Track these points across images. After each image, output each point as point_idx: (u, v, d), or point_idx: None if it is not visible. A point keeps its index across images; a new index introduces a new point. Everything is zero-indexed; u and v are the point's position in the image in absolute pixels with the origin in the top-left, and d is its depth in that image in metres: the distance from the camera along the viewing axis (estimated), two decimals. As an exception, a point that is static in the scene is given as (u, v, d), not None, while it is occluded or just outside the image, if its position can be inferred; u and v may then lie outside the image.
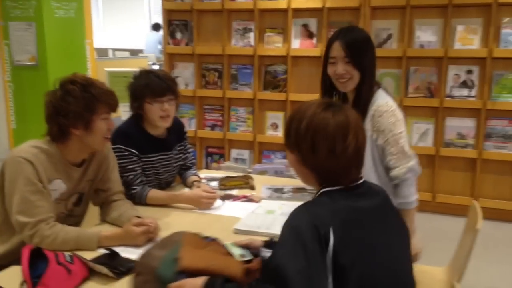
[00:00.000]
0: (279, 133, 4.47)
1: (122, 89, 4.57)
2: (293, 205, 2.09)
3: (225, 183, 2.49)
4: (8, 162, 1.76)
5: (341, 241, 1.21)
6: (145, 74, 2.31)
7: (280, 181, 2.63)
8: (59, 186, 1.85)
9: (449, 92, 3.86)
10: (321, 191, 1.34)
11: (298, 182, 2.57)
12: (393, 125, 1.96)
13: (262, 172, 2.95)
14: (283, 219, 1.86)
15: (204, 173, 2.76)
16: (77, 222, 2.03)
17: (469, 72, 3.79)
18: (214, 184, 2.54)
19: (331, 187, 1.33)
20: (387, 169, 2.00)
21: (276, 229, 1.71)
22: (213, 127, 4.71)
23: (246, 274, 1.33)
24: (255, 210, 2.14)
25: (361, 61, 2.01)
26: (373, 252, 1.27)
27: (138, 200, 2.21)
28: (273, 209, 2.14)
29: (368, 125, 1.99)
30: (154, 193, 2.25)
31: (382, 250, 1.29)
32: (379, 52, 3.95)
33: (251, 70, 4.50)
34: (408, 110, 3.98)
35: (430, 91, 3.93)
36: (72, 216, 1.98)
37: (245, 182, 2.51)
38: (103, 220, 2.05)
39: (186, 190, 2.40)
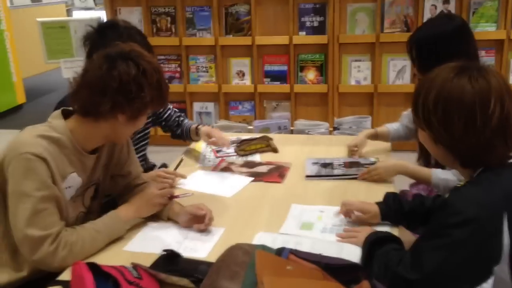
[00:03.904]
0: (246, 81, 4.12)
1: (61, 42, 3.95)
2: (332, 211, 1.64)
3: (244, 148, 2.16)
4: (11, 160, 1.30)
5: None
6: (126, 31, 1.82)
7: (321, 152, 2.15)
8: (74, 181, 1.45)
9: (426, 25, 3.72)
10: (477, 172, 1.16)
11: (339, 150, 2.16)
12: None
13: (265, 130, 2.65)
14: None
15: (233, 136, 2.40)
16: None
17: (446, 2, 3.66)
18: (229, 150, 2.20)
19: (480, 167, 1.15)
20: None
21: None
22: (170, 79, 4.22)
23: None
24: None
25: (424, 65, 1.76)
26: None
27: None
28: (311, 221, 1.57)
29: None
30: None
31: None
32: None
33: (209, 13, 4.02)
34: (384, 47, 3.82)
35: (406, 24, 3.76)
36: (91, 213, 1.58)
37: (266, 145, 2.20)
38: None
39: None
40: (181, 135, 2.19)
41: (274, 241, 1.41)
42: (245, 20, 3.98)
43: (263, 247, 1.23)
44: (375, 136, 2.12)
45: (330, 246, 1.38)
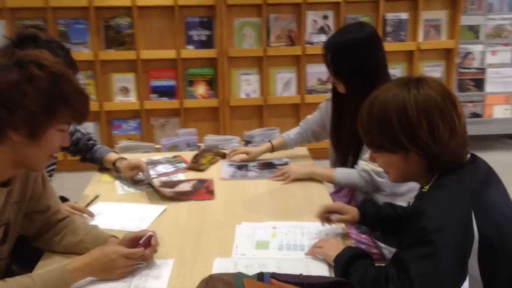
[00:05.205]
0: (131, 98, 3.86)
1: None
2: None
3: (202, 162, 2.05)
4: None
5: (483, 223, 1.08)
6: (47, 45, 1.59)
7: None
8: (-19, 221, 1.15)
9: (308, 39, 3.89)
10: (435, 176, 1.16)
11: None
12: None
13: (173, 147, 2.48)
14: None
15: (144, 157, 2.19)
16: (2, 268, 1.32)
17: (325, 17, 3.87)
18: (162, 168, 2.06)
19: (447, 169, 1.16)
20: None
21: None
22: (42, 99, 3.77)
23: None
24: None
25: (338, 70, 1.82)
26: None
27: None
28: (266, 239, 1.46)
29: None
30: None
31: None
32: (236, 0, 3.72)
33: (85, 25, 3.70)
34: (271, 60, 3.89)
35: (291, 38, 3.88)
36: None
37: (213, 155, 2.14)
38: (50, 249, 1.39)
39: None
40: (92, 160, 1.97)
41: (236, 266, 1.29)
42: (127, 33, 3.74)
43: (242, 275, 1.10)
44: (271, 149, 2.13)
45: (297, 264, 1.30)
